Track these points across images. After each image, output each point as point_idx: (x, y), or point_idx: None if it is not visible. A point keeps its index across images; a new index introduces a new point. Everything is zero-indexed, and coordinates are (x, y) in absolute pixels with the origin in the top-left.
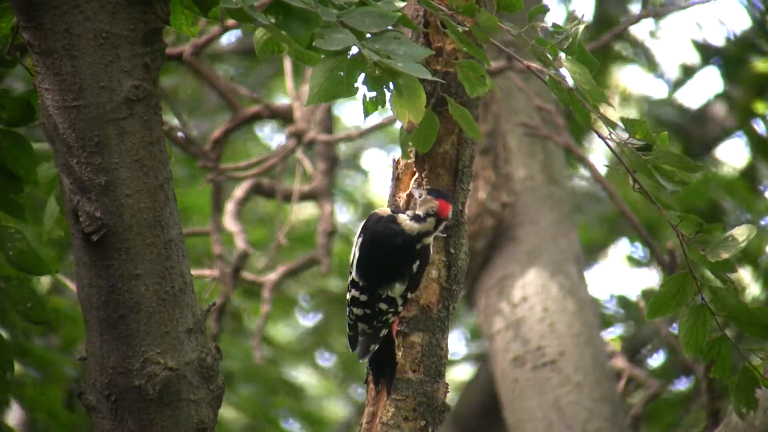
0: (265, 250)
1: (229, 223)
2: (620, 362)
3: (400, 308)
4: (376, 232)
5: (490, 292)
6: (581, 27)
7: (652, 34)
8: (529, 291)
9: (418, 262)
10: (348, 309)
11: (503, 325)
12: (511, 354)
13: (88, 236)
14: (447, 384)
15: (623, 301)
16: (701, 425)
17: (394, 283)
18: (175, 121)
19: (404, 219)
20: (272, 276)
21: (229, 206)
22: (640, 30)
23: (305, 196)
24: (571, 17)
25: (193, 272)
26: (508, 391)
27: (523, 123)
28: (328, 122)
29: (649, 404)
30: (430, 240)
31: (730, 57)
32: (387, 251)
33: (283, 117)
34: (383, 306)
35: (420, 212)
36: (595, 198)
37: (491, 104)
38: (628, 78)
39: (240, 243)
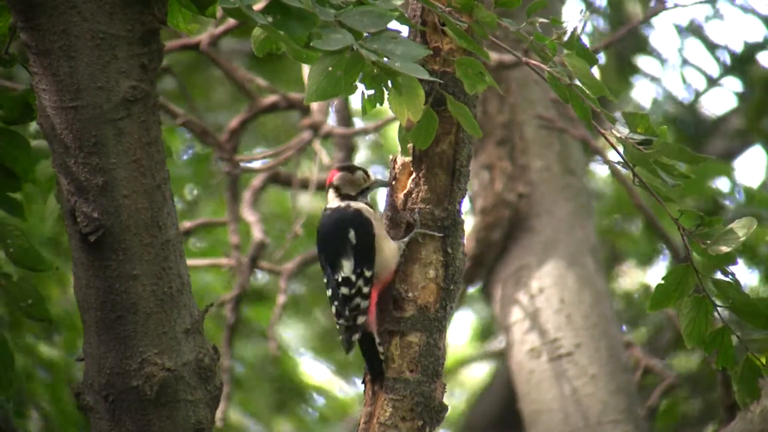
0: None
1: (246, 212)
2: (637, 353)
3: (364, 289)
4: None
5: (506, 282)
6: (581, 22)
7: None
8: (545, 282)
9: (352, 231)
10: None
11: (520, 316)
12: (527, 345)
13: (85, 237)
14: (444, 384)
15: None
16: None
17: (341, 260)
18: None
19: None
20: (289, 265)
21: (246, 196)
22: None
23: (322, 186)
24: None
25: (210, 262)
26: (524, 382)
27: (539, 115)
28: (345, 112)
29: (664, 395)
30: (357, 206)
31: (740, 56)
32: (322, 233)
33: (300, 108)
34: (344, 290)
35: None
36: (604, 198)
37: (508, 95)
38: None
39: (257, 233)
